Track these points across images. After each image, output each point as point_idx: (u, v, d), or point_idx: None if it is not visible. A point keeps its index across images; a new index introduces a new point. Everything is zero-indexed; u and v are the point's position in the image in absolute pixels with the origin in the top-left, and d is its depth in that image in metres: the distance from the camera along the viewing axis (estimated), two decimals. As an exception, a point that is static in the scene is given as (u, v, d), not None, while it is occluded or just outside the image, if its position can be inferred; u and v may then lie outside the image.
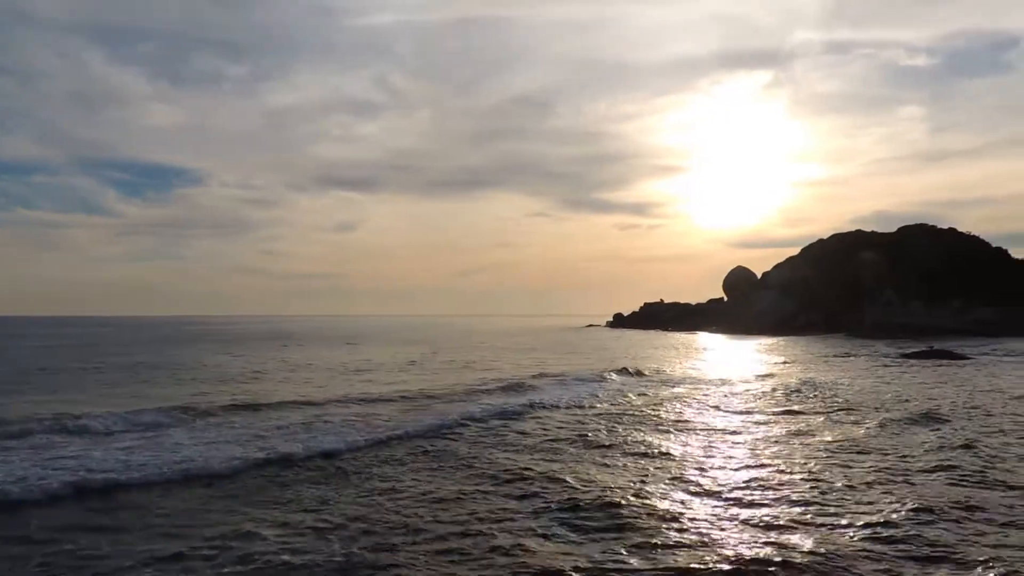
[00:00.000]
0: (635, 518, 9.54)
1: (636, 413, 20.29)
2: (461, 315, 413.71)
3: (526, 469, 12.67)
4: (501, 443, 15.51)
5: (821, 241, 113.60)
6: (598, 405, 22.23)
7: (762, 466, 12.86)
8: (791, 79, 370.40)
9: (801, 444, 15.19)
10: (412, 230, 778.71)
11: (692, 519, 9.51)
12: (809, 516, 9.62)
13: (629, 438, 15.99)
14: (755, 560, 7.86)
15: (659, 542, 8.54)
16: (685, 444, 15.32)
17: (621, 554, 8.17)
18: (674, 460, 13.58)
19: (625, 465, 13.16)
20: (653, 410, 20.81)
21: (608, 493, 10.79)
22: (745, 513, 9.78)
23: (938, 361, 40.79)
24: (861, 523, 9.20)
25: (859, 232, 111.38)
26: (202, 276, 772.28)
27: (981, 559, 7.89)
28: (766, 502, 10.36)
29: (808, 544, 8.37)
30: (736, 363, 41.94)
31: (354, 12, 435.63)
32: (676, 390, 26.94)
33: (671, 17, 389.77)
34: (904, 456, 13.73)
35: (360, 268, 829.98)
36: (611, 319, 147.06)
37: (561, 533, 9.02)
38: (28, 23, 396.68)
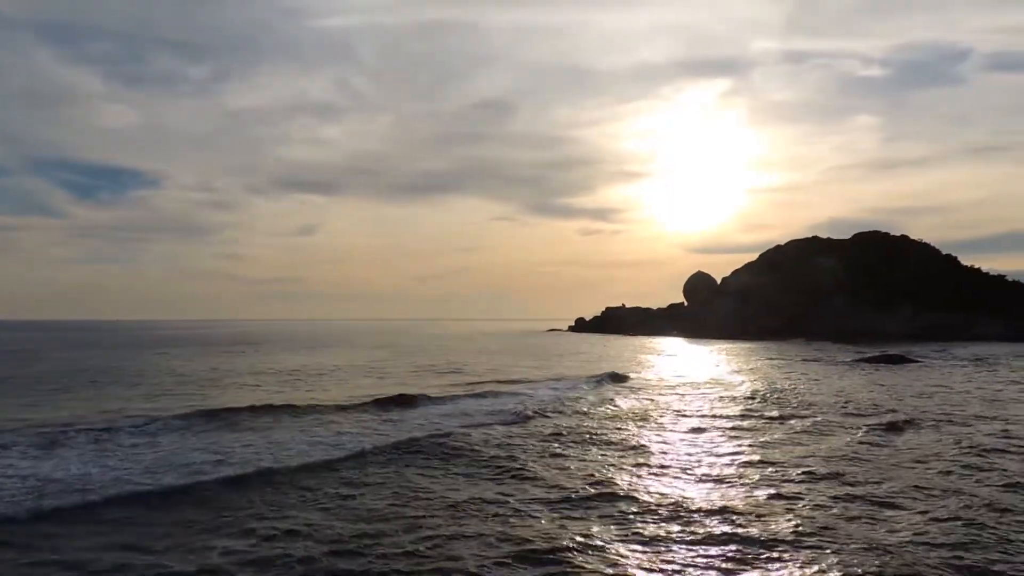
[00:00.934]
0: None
1: (608, 422, 19.71)
2: (424, 319, 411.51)
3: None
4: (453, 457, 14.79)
5: (779, 247, 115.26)
6: (581, 407, 21.63)
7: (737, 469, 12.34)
8: (750, 88, 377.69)
9: (766, 446, 14.76)
10: (374, 234, 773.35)
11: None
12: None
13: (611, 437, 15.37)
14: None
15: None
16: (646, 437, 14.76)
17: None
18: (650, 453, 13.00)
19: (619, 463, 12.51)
20: (635, 413, 20.27)
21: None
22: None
23: (890, 365, 41.46)
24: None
25: (815, 239, 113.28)
26: (158, 280, 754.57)
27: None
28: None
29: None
30: (698, 368, 41.79)
31: (316, 13, 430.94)
32: (645, 394, 26.51)
33: (634, 24, 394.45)
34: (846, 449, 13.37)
35: (322, 272, 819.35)
36: (573, 323, 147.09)
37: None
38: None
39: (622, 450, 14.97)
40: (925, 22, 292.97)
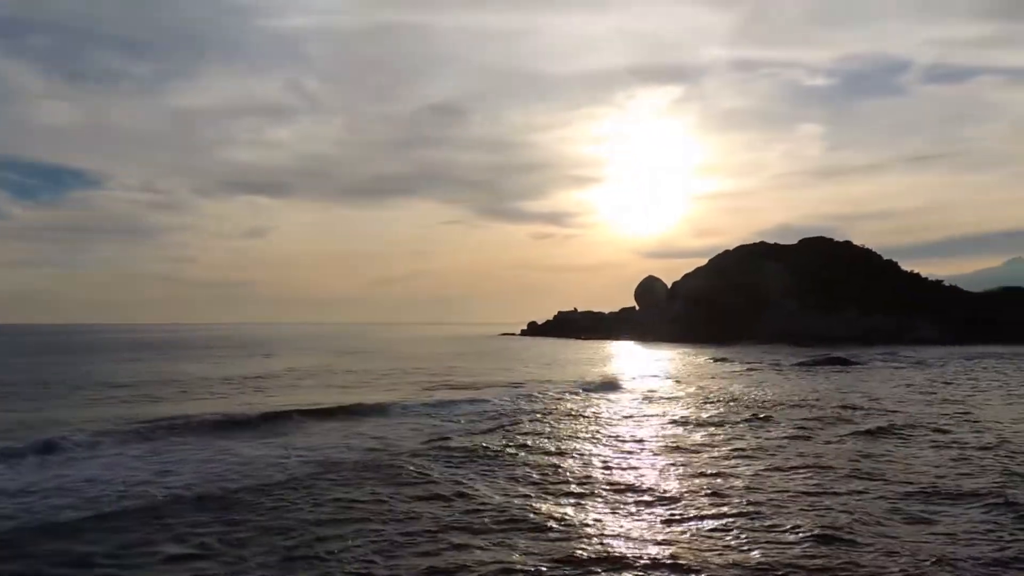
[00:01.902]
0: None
1: (552, 422, 19.16)
2: (376, 323, 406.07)
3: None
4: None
5: (728, 252, 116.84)
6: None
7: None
8: (701, 95, 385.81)
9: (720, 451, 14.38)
10: (326, 237, 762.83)
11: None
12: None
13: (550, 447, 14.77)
14: None
15: None
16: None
17: None
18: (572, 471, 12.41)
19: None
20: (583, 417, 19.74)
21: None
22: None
23: (834, 367, 42.28)
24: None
25: (763, 244, 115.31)
26: (102, 283, 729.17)
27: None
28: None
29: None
30: (645, 372, 41.70)
31: (266, 13, 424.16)
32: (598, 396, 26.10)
33: (588, 30, 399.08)
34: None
35: (273, 276, 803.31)
36: (525, 327, 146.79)
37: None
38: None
39: (541, 471, 14.42)
40: (868, 34, 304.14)
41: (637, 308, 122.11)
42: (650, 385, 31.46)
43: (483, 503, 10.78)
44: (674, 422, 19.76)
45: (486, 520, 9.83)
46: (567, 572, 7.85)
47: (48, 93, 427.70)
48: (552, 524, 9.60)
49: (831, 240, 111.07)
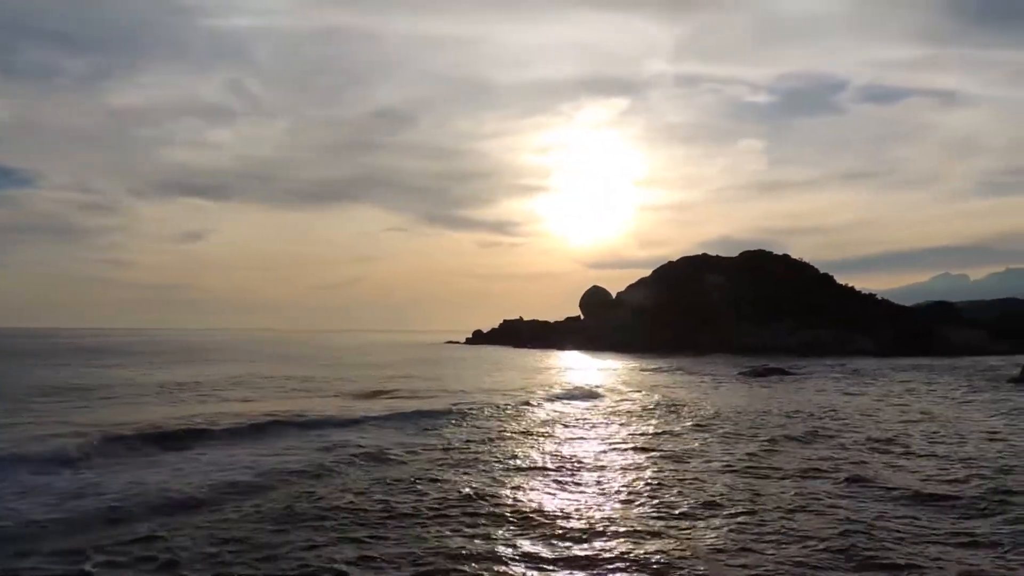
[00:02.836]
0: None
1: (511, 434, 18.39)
2: (318, 330, 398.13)
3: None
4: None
5: (671, 263, 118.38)
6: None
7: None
8: (646, 107, 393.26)
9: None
10: (267, 241, 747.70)
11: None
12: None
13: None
14: None
15: None
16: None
17: None
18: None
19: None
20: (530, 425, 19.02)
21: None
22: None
23: (770, 378, 42.84)
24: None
25: (705, 256, 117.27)
26: (32, 284, 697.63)
27: None
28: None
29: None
30: (589, 381, 41.40)
31: (208, 13, 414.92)
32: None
33: (536, 40, 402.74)
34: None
35: (211, 280, 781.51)
36: (471, 335, 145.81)
37: None
38: None
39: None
40: (807, 53, 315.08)
41: (582, 317, 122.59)
42: (595, 395, 31.04)
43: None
44: (621, 435, 19.30)
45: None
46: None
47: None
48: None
49: (770, 253, 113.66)
